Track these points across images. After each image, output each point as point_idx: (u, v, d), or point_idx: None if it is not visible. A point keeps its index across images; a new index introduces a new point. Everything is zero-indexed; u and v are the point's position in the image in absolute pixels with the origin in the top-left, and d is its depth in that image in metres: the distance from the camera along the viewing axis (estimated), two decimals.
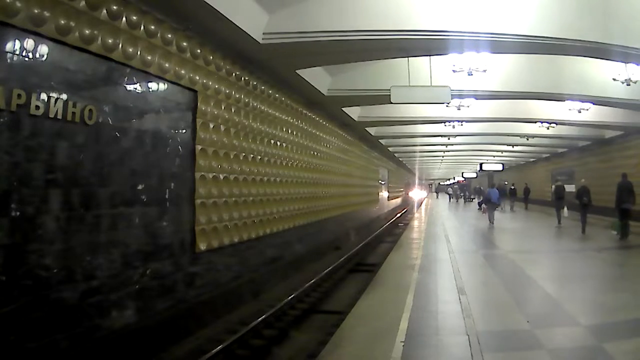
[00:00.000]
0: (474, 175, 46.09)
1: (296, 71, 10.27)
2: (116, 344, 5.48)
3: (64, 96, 4.94)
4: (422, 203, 43.54)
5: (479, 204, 27.07)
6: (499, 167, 33.79)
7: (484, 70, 10.68)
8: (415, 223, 21.00)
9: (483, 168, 33.50)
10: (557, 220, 16.73)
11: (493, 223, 17.42)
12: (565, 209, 16.95)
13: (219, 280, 8.00)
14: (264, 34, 7.85)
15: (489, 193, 18.62)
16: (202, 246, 7.49)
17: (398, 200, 40.57)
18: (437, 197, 57.67)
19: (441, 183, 76.14)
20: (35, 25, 4.59)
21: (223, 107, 8.32)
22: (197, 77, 7.50)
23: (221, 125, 8.24)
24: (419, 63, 9.79)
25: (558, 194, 17.20)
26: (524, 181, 32.10)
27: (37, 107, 4.61)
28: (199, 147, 7.53)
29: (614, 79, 11.24)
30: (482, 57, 10.34)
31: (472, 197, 40.17)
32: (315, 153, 14.17)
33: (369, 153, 24.73)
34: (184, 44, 7.12)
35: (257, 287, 9.26)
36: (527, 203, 28.67)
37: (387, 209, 32.04)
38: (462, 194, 42.87)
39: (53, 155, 4.85)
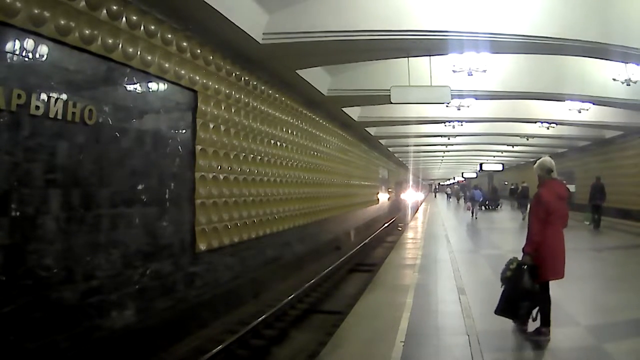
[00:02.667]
0: (474, 175, 46.12)
1: (296, 71, 10.27)
2: (116, 344, 5.48)
3: (64, 96, 4.94)
4: (418, 209, 33.72)
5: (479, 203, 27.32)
6: (499, 167, 33.79)
7: (484, 71, 10.67)
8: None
9: (483, 168, 33.50)
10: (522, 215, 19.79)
11: (476, 217, 20.99)
12: (529, 205, 19.60)
13: (219, 280, 8.00)
14: (263, 34, 7.85)
15: (472, 193, 22.71)
16: (202, 246, 7.49)
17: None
18: (436, 196, 57.75)
19: (441, 183, 76.12)
20: (35, 25, 4.59)
21: (223, 107, 8.32)
22: (197, 77, 7.50)
23: (221, 126, 8.24)
24: (419, 63, 9.78)
25: (523, 193, 20.96)
26: (523, 181, 32.05)
27: (37, 107, 4.61)
28: (199, 147, 7.52)
29: (614, 79, 11.23)
30: (482, 57, 10.34)
31: None
32: (316, 153, 14.19)
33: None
34: (184, 44, 7.12)
35: (257, 287, 9.26)
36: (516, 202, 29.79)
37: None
38: (462, 194, 42.92)
39: (53, 155, 4.85)
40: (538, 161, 4.87)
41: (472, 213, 21.58)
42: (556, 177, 4.77)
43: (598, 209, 15.24)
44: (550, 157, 5.01)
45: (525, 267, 4.49)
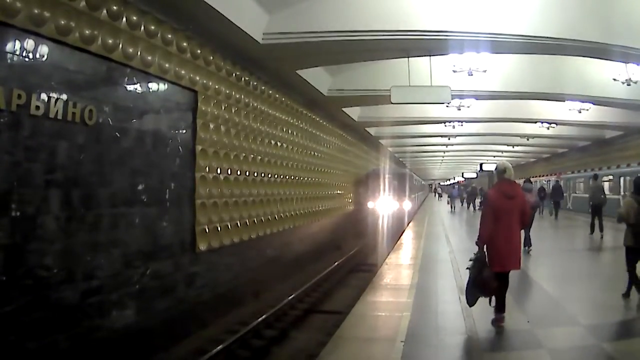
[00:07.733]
0: (475, 175, 46.13)
1: (296, 71, 10.27)
2: (116, 343, 5.48)
3: (64, 96, 4.94)
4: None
5: (480, 203, 27.44)
6: None
7: (484, 71, 10.69)
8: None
9: (483, 168, 33.48)
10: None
11: (454, 211, 25.67)
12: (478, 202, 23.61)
13: (219, 280, 8.00)
14: (264, 34, 7.85)
15: (451, 191, 29.33)
16: (202, 246, 7.48)
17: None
18: (435, 195, 57.83)
19: (441, 183, 76.23)
20: (35, 25, 4.59)
21: (223, 108, 8.32)
22: (198, 78, 7.50)
23: (221, 126, 8.23)
24: (419, 63, 9.78)
25: (473, 191, 27.23)
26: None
27: (37, 107, 4.61)
28: (199, 148, 7.52)
29: (614, 79, 11.24)
30: (482, 57, 10.35)
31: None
32: (316, 154, 14.18)
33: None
34: (184, 44, 7.12)
35: (257, 287, 9.26)
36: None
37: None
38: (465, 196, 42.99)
39: (53, 155, 4.85)
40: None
41: (452, 207, 26.78)
42: (509, 177, 4.99)
43: (558, 205, 19.39)
44: (507, 161, 5.45)
45: (473, 259, 4.92)
